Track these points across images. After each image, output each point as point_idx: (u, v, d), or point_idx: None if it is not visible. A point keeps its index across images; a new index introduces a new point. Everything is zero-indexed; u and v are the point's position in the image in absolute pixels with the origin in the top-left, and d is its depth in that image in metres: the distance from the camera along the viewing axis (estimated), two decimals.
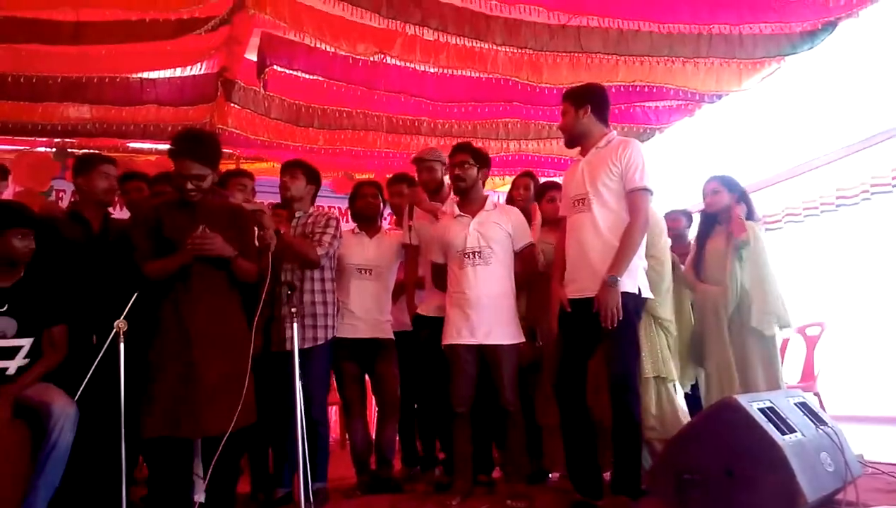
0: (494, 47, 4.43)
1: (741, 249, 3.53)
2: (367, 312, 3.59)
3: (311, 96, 5.26)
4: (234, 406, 2.71)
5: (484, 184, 3.44)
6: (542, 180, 4.17)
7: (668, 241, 3.47)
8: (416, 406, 3.89)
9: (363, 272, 3.64)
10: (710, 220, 3.76)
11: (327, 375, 3.52)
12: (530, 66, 4.75)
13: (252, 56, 4.71)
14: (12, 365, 2.73)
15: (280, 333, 3.25)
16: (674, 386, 3.33)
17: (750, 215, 3.66)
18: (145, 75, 4.90)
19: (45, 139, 5.69)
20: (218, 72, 4.95)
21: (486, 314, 3.17)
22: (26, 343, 2.78)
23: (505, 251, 3.26)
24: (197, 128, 3.08)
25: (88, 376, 2.75)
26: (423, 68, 4.78)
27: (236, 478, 3.07)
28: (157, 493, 2.92)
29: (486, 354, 3.20)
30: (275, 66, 4.65)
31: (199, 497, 2.93)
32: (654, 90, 5.12)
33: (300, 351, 3.20)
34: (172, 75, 4.97)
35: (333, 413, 5.25)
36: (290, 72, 4.89)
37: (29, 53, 4.28)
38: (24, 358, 2.77)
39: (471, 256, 3.20)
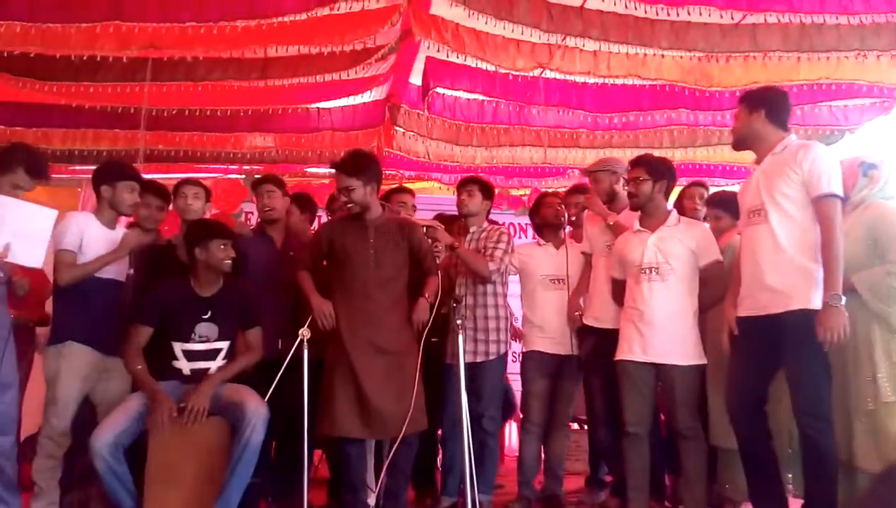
0: (660, 52, 4.27)
1: None
2: (560, 324, 3.57)
3: (470, 115, 5.39)
4: (406, 411, 2.86)
5: (667, 198, 3.28)
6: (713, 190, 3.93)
7: None
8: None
9: (555, 282, 3.63)
10: None
11: (500, 389, 3.54)
12: (699, 70, 4.51)
13: (416, 80, 4.92)
14: (213, 366, 3.03)
15: (454, 345, 3.33)
16: None
17: None
18: (322, 105, 5.30)
19: (235, 166, 6.33)
20: (385, 98, 5.24)
21: (661, 332, 3.04)
22: (225, 346, 3.07)
23: (686, 268, 3.10)
24: (356, 149, 3.29)
25: (276, 380, 3.02)
26: (582, 80, 4.72)
27: (407, 483, 3.17)
28: (335, 493, 3.11)
29: (660, 374, 3.06)
30: (437, 89, 4.83)
31: (370, 500, 3.07)
32: (843, 87, 4.64)
33: (474, 364, 3.30)
34: (345, 104, 5.33)
35: None
36: (451, 93, 5.06)
37: (224, 90, 4.79)
38: (223, 359, 3.06)
39: (647, 272, 3.09)
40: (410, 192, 3.98)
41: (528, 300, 3.70)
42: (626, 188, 3.39)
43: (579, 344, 3.56)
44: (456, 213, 3.75)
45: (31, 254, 2.55)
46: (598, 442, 3.64)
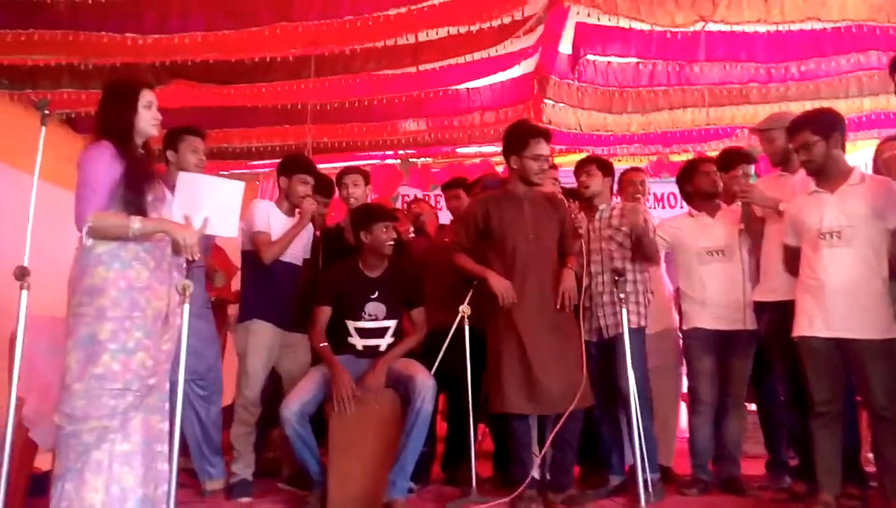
0: None
1: None
2: (725, 298, 3.34)
3: (624, 80, 5.14)
4: (576, 385, 2.87)
5: (843, 149, 2.93)
6: None
7: None
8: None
9: (714, 254, 3.40)
10: None
11: (643, 364, 3.36)
12: (892, 5, 3.93)
13: (565, 49, 4.79)
14: (383, 343, 3.20)
15: (592, 321, 3.25)
16: None
17: None
18: (471, 85, 5.34)
19: (391, 152, 6.58)
20: (534, 71, 5.15)
21: (845, 303, 2.73)
22: (392, 324, 3.23)
23: (873, 230, 2.75)
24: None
25: (440, 355, 3.12)
26: (752, 29, 4.31)
27: (574, 458, 3.15)
28: (505, 466, 3.16)
29: (846, 350, 2.76)
30: (588, 56, 4.66)
31: (535, 472, 3.08)
32: None
33: (613, 338, 3.17)
34: (493, 81, 5.32)
35: None
36: (602, 59, 4.86)
37: (379, 79, 4.98)
38: (391, 336, 3.22)
39: (828, 237, 2.79)
40: (554, 166, 3.90)
41: (685, 275, 3.47)
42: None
43: (756, 321, 3.30)
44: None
45: (226, 225, 2.70)
46: (782, 424, 3.36)
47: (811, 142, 2.85)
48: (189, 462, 3.15)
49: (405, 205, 6.26)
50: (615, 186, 3.73)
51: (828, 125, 2.87)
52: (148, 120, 2.40)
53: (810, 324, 2.82)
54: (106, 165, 2.26)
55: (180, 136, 3.11)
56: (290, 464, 3.31)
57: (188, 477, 3.19)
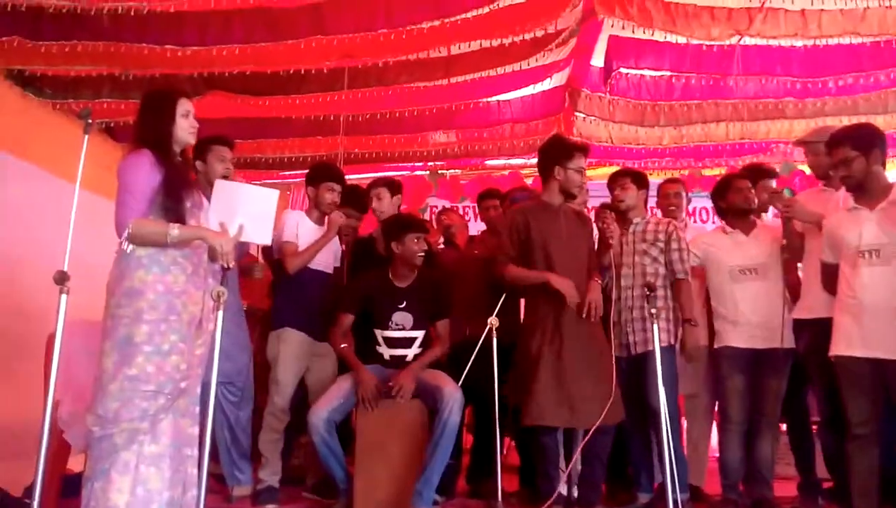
0: (885, 3, 3.72)
1: None
2: (758, 317, 3.27)
3: (657, 94, 5.11)
4: (605, 399, 2.84)
5: (884, 166, 2.87)
6: None
7: None
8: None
9: (746, 273, 3.34)
10: None
11: (673, 381, 3.31)
12: None
13: (597, 62, 4.77)
14: (410, 354, 3.21)
15: (621, 337, 3.21)
16: None
17: None
18: (502, 98, 5.35)
19: (420, 163, 6.61)
20: (565, 84, 5.15)
21: (883, 323, 2.66)
22: (419, 335, 3.23)
23: None
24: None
25: (468, 367, 3.11)
26: (789, 43, 4.26)
27: (604, 473, 3.12)
28: (531, 480, 3.13)
29: (884, 370, 2.68)
30: (621, 69, 4.65)
31: (562, 488, 3.04)
32: None
33: (642, 354, 3.13)
34: (524, 94, 5.32)
35: None
36: (635, 72, 4.84)
37: (411, 91, 5.02)
38: (418, 347, 3.22)
39: (867, 255, 2.72)
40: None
41: (717, 292, 3.41)
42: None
43: (795, 338, 3.23)
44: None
45: (261, 232, 2.74)
46: (820, 444, 3.28)
47: (850, 157, 2.80)
48: (218, 467, 3.17)
49: (434, 216, 6.28)
50: (650, 199, 3.69)
51: (868, 140, 2.82)
52: (185, 128, 2.44)
53: (848, 344, 2.75)
54: (146, 173, 2.30)
55: (208, 146, 3.12)
56: (315, 472, 3.32)
57: (216, 483, 3.22)
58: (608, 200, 3.60)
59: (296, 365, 3.29)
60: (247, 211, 2.61)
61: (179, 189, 2.36)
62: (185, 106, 2.45)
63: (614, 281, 3.25)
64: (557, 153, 3.12)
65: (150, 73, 4.37)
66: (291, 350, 3.27)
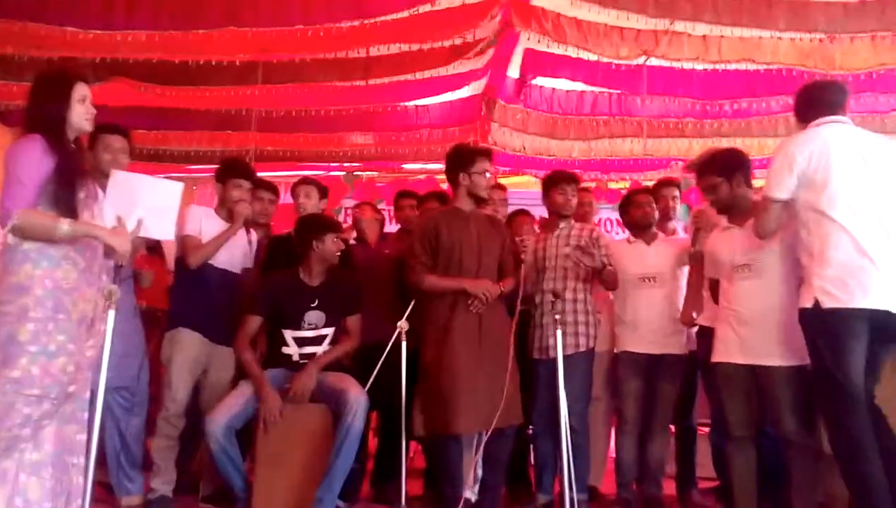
0: (776, 35, 4.02)
1: None
2: (655, 323, 3.43)
3: (568, 107, 5.29)
4: (502, 405, 2.84)
5: (749, 185, 3.03)
6: None
7: None
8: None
9: (646, 281, 3.51)
10: None
11: (588, 385, 3.45)
12: (819, 52, 4.21)
13: (514, 74, 4.89)
14: (319, 351, 3.14)
15: (542, 340, 3.29)
16: None
17: None
18: (420, 102, 5.37)
19: (336, 164, 6.54)
20: (482, 93, 5.24)
21: (759, 332, 2.84)
22: (330, 332, 3.18)
23: (783, 262, 2.89)
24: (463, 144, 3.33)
25: (376, 370, 3.08)
26: (690, 66, 4.52)
27: (504, 476, 3.16)
28: (432, 485, 3.14)
29: (759, 376, 2.88)
30: (534, 81, 4.78)
31: (469, 494, 3.07)
32: None
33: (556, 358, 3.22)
34: (442, 100, 5.38)
35: None
36: (548, 85, 4.99)
37: (328, 91, 4.95)
38: (329, 344, 3.17)
39: (740, 270, 2.92)
40: (502, 187, 3.99)
41: (619, 299, 3.58)
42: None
43: (698, 344, 3.42)
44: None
45: (162, 227, 2.61)
46: (710, 445, 3.48)
47: (715, 183, 2.98)
48: (106, 475, 3.00)
49: (347, 218, 6.21)
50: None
51: (730, 166, 2.99)
52: (81, 114, 2.30)
53: (727, 351, 2.92)
54: (36, 159, 2.15)
55: (95, 134, 2.88)
56: (212, 480, 3.18)
57: (104, 492, 3.04)
58: (523, 207, 3.70)
59: (191, 368, 3.15)
60: (147, 204, 2.47)
61: (72, 178, 2.21)
62: (81, 90, 2.31)
63: (536, 286, 3.33)
64: (461, 159, 3.16)
65: (48, 55, 4.10)
66: (186, 351, 3.13)
